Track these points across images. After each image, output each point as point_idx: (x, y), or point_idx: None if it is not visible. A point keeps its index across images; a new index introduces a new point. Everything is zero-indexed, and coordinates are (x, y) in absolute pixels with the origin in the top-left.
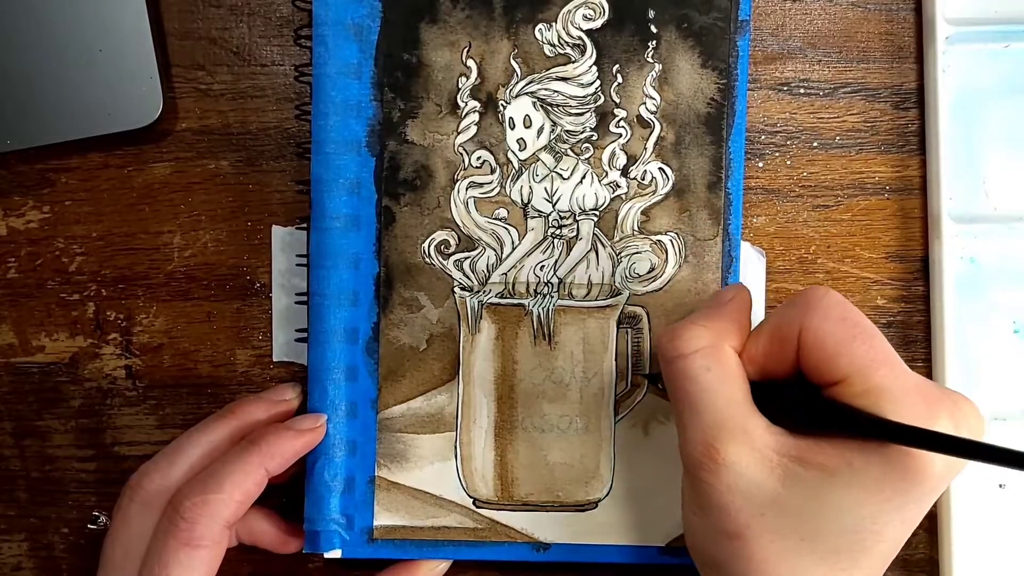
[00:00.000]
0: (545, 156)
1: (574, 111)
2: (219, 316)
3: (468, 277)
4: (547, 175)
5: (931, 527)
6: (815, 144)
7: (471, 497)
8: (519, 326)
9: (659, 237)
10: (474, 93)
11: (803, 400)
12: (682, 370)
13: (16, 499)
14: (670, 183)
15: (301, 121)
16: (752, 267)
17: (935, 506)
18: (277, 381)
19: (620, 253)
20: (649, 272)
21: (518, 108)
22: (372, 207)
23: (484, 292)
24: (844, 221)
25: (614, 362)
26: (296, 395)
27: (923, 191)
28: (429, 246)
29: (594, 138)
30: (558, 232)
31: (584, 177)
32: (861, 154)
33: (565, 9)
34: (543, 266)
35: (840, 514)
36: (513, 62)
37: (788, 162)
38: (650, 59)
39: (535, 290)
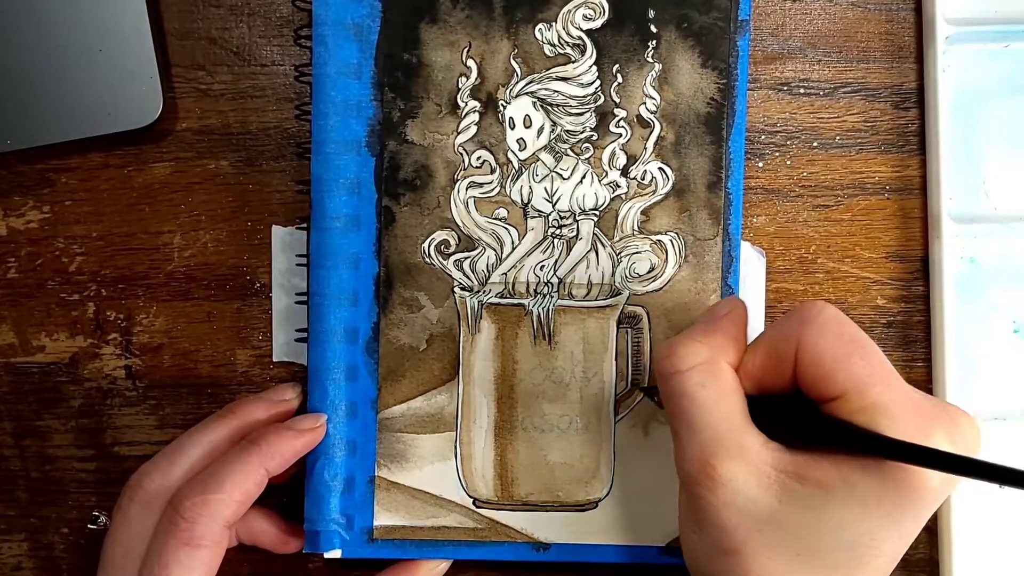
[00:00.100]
0: (545, 156)
1: (574, 111)
2: (219, 316)
3: (468, 277)
4: (547, 175)
5: (931, 527)
6: (815, 144)
7: (471, 497)
8: (519, 326)
9: (659, 237)
10: (474, 93)
11: (800, 416)
12: (678, 386)
13: (16, 499)
14: (670, 183)
15: (301, 121)
16: (752, 267)
17: None
18: (277, 381)
19: (620, 253)
20: (649, 272)
21: (518, 108)
22: (372, 207)
23: (484, 292)
24: (844, 221)
25: (614, 362)
26: (296, 395)
27: (923, 191)
28: (429, 246)
29: (594, 138)
30: (558, 232)
31: (584, 177)
32: (861, 154)
33: (565, 9)
34: (543, 266)
35: (837, 530)
36: (513, 62)
37: (788, 162)
38: (650, 59)
39: (535, 290)
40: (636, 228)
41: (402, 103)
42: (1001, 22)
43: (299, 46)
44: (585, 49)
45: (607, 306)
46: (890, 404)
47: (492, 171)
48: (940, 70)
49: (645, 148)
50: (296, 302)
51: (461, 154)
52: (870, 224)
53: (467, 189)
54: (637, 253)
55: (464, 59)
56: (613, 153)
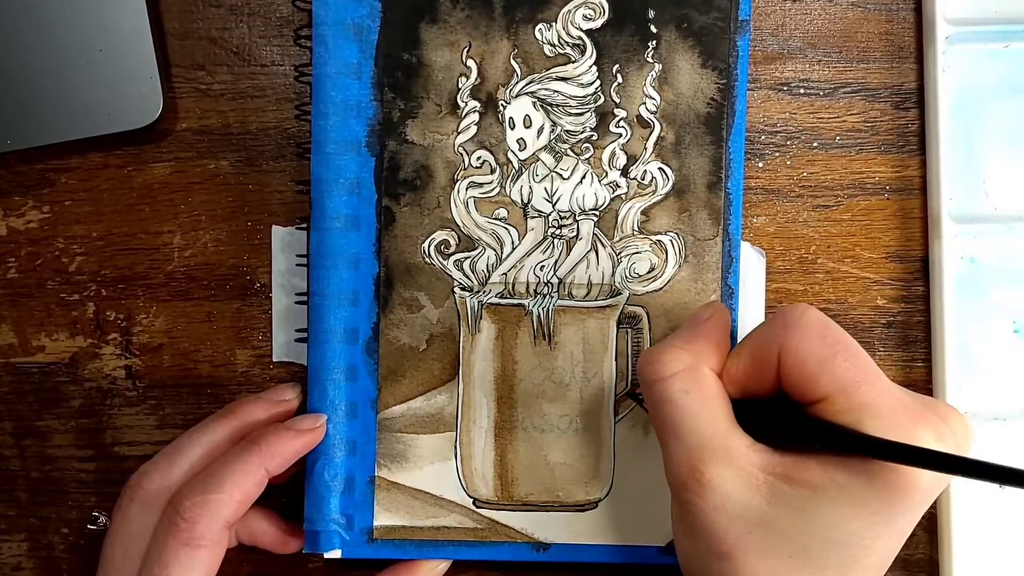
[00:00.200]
0: (545, 156)
1: (574, 111)
2: (219, 316)
3: (468, 277)
4: (547, 175)
5: (931, 527)
6: (815, 144)
7: (471, 497)
8: (519, 326)
9: (659, 237)
10: (474, 93)
11: (786, 418)
12: (661, 393)
13: (16, 499)
14: (670, 183)
15: (301, 121)
16: (752, 267)
17: (935, 506)
18: (277, 381)
19: (620, 253)
20: (649, 272)
21: (518, 108)
22: (372, 207)
23: (484, 292)
24: (844, 221)
25: (614, 362)
26: (296, 395)
27: (923, 191)
28: (429, 246)
29: (594, 138)
30: (558, 232)
31: (584, 177)
32: (861, 154)
33: (565, 9)
34: (543, 266)
35: (828, 530)
36: (513, 62)
37: (788, 162)
38: (650, 59)
39: (535, 290)
40: (636, 228)
41: (402, 103)
42: (1001, 22)
43: (299, 46)
44: (585, 49)
45: (607, 306)
46: (875, 404)
47: (492, 171)
48: (940, 70)
49: (645, 148)
50: (296, 302)
51: (461, 154)
52: (870, 224)
53: (467, 189)
54: (637, 253)
55: (464, 59)
56: (613, 153)
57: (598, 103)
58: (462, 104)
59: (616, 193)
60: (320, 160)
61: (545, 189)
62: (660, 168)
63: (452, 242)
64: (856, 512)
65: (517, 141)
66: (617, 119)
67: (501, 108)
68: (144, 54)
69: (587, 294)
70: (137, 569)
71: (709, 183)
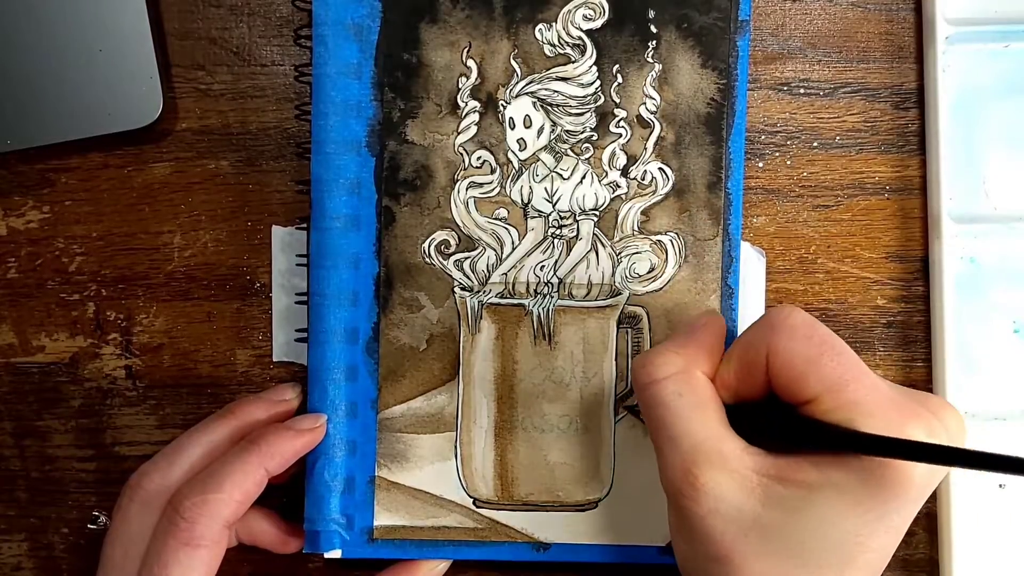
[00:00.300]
0: (545, 156)
1: (574, 111)
2: (219, 316)
3: (468, 277)
4: (547, 175)
5: (931, 527)
6: (815, 144)
7: (471, 497)
8: (519, 326)
9: (659, 237)
10: (474, 93)
11: (778, 419)
12: (654, 396)
13: (16, 499)
14: (670, 183)
15: (301, 121)
16: (752, 267)
17: (935, 506)
18: (277, 381)
19: (620, 253)
20: (649, 272)
21: (518, 108)
22: (372, 207)
23: (484, 292)
24: (844, 221)
25: (614, 362)
26: (296, 395)
27: (923, 191)
28: (429, 246)
29: (594, 138)
30: (558, 232)
31: (584, 177)
32: (861, 154)
33: (565, 9)
34: (543, 266)
35: (824, 529)
36: (513, 62)
37: (788, 162)
38: (650, 59)
39: (535, 290)
40: (636, 228)
41: (402, 103)
42: (1001, 22)
43: (299, 46)
44: (585, 49)
45: (607, 306)
46: (865, 401)
47: (492, 171)
48: (940, 70)
49: (645, 148)
50: (296, 302)
51: (461, 154)
52: (870, 224)
53: (467, 189)
54: (637, 253)
55: (464, 59)
56: (613, 153)
57: (598, 103)
58: (462, 104)
59: (616, 193)
60: (320, 160)
61: (545, 189)
62: (660, 168)
63: (452, 242)
64: (851, 510)
65: (517, 141)
66: (617, 119)
67: (501, 108)
68: (144, 54)
69: (587, 294)
70: (137, 569)
71: (709, 183)
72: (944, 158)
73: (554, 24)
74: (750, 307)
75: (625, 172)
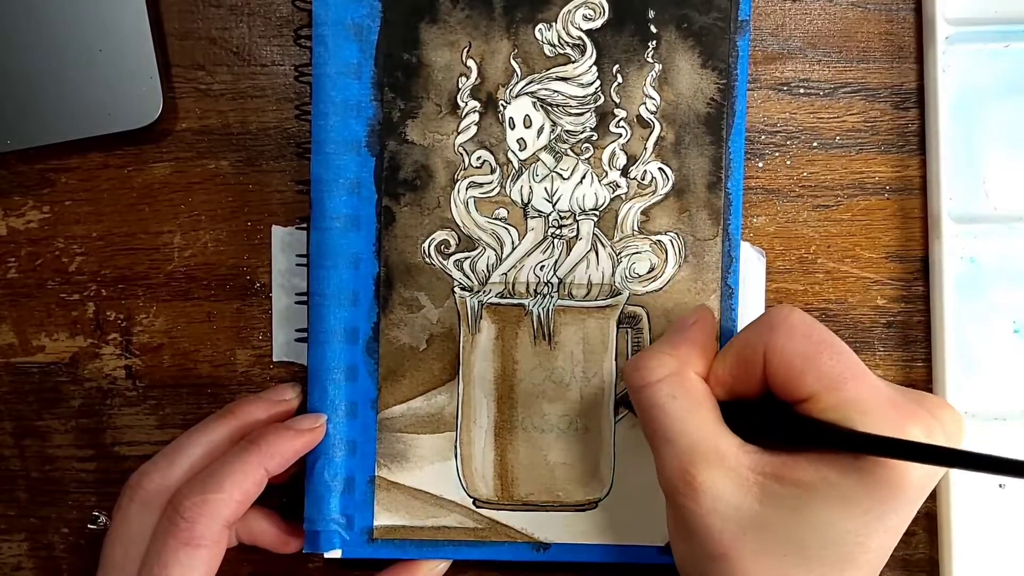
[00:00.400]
0: (545, 156)
1: (574, 111)
2: (219, 316)
3: (468, 277)
4: (547, 175)
5: (931, 527)
6: (815, 144)
7: (471, 497)
8: (519, 326)
9: (659, 237)
10: (474, 93)
11: (775, 417)
12: (649, 399)
13: (16, 499)
14: (670, 183)
15: (301, 121)
16: (752, 267)
17: (935, 506)
18: (277, 381)
19: (620, 253)
20: (649, 272)
21: (518, 108)
22: (372, 207)
23: (484, 292)
24: (844, 221)
25: (614, 362)
26: (296, 395)
27: (923, 191)
28: (429, 246)
29: (594, 138)
30: (558, 232)
31: (584, 177)
32: (861, 154)
33: (565, 9)
34: (543, 266)
35: (822, 528)
36: (513, 62)
37: (788, 162)
38: (650, 59)
39: (535, 290)
40: (636, 228)
41: (402, 103)
42: (1001, 22)
43: (299, 46)
44: (585, 49)
45: (607, 306)
46: (863, 400)
47: (492, 171)
48: (940, 70)
49: (645, 148)
50: (296, 302)
51: (461, 154)
52: (870, 224)
53: (467, 189)
54: (637, 253)
55: (464, 59)
56: (613, 153)
57: (598, 103)
58: (462, 104)
59: (616, 193)
60: (320, 160)
61: (545, 189)
62: (660, 168)
63: (452, 242)
64: (849, 510)
65: (517, 141)
66: (617, 119)
67: (501, 108)
68: (144, 54)
69: (587, 294)
70: (137, 569)
71: (709, 183)
72: (944, 158)
73: (554, 24)
74: (750, 307)
75: (625, 172)
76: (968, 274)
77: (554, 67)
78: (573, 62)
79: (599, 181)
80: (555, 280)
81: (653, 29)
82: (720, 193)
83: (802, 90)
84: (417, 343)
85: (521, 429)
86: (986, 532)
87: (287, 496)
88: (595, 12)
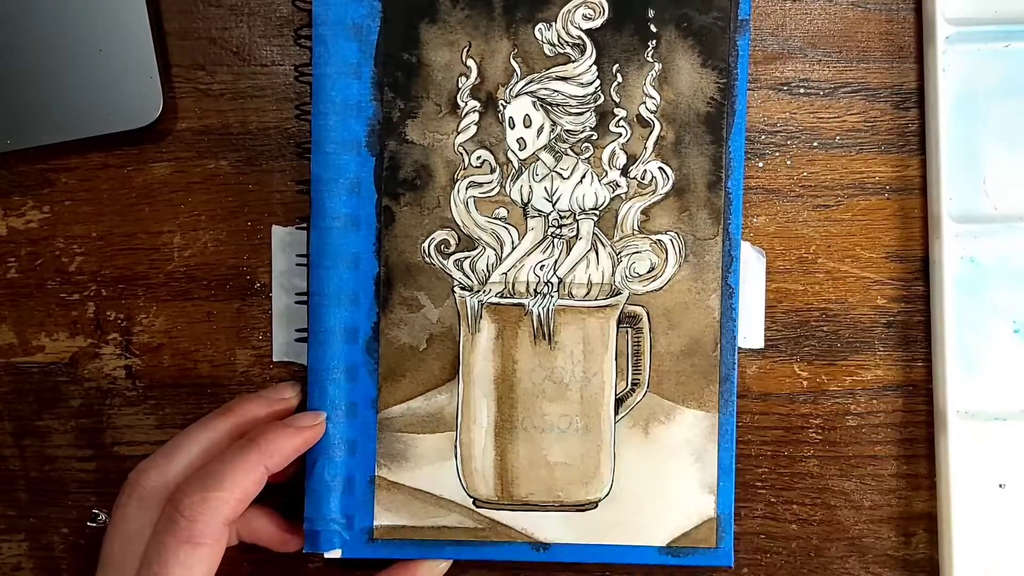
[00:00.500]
0: (545, 155)
1: (574, 110)
2: (219, 316)
3: (468, 277)
4: (547, 174)
5: (931, 527)
6: (815, 144)
7: (471, 497)
8: (519, 326)
9: (659, 236)
10: (474, 93)
11: None
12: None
13: (16, 499)
14: (670, 182)
15: (301, 121)
16: (752, 267)
17: (935, 506)
18: (277, 381)
19: (620, 253)
20: (649, 272)
21: (518, 108)
22: (372, 207)
23: (484, 292)
24: (844, 221)
25: (614, 362)
26: (295, 394)
27: (923, 191)
28: (429, 246)
29: (594, 137)
30: (558, 232)
31: (584, 176)
32: (861, 154)
33: (565, 9)
34: (543, 266)
35: None
36: (513, 62)
37: (788, 162)
38: (650, 58)
39: (535, 290)
40: (636, 228)
41: (402, 103)
42: (1001, 22)
43: (299, 46)
44: (585, 49)
45: (607, 306)
46: None
47: (492, 171)
48: (940, 70)
49: (645, 148)
50: (296, 302)
51: (461, 154)
52: (870, 224)
53: (467, 189)
54: (637, 253)
55: (464, 59)
56: (613, 153)
57: (598, 103)
58: (462, 104)
59: (616, 192)
60: (320, 160)
61: (545, 189)
62: (660, 167)
63: (452, 242)
64: None
65: (517, 141)
66: (617, 118)
67: (501, 108)
68: (144, 54)
69: (587, 294)
70: (136, 566)
71: (709, 182)
72: (944, 158)
73: (554, 24)
74: (750, 307)
75: (625, 171)
76: (968, 274)
77: (554, 67)
78: (573, 61)
79: (599, 180)
80: (555, 280)
81: (653, 28)
82: (720, 192)
83: (802, 90)
84: (417, 343)
85: (521, 429)
86: (986, 532)
87: (287, 496)
88: (595, 12)
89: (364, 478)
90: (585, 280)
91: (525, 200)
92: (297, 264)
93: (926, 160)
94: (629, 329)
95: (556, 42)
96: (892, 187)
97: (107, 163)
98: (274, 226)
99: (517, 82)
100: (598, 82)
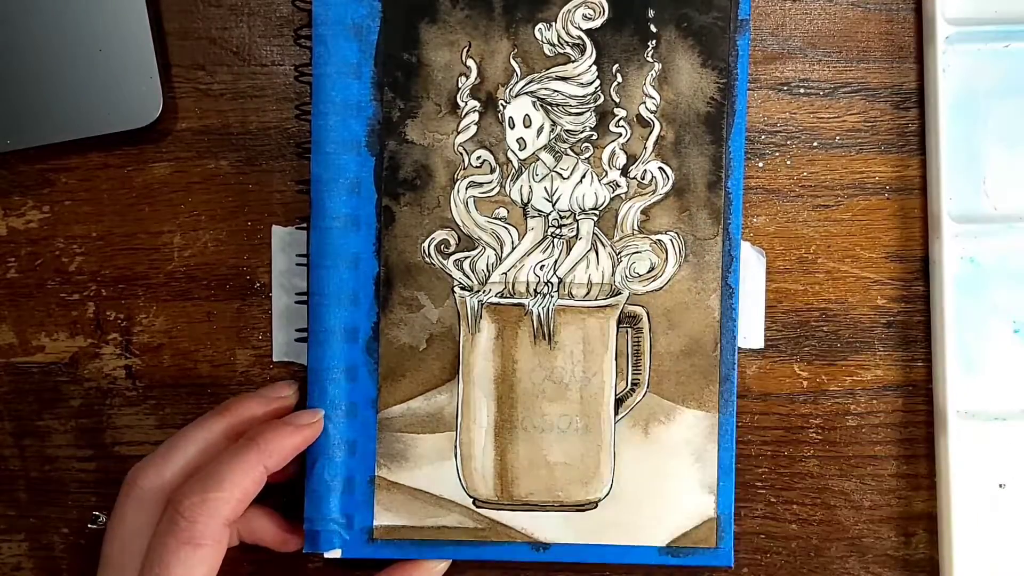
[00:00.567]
0: (545, 155)
1: (574, 110)
2: (219, 316)
3: (468, 277)
4: (547, 174)
5: (931, 527)
6: (815, 144)
7: (471, 497)
8: (519, 326)
9: (659, 236)
10: (474, 93)
11: None
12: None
13: (16, 499)
14: (670, 182)
15: (301, 121)
16: (752, 267)
17: (935, 506)
18: (277, 381)
19: (620, 252)
20: (649, 272)
21: (518, 108)
22: (372, 207)
23: (484, 292)
24: (844, 221)
25: (614, 362)
26: (293, 392)
27: (923, 191)
28: (429, 246)
29: (594, 137)
30: (558, 232)
31: (584, 176)
32: (861, 154)
33: (565, 8)
34: (543, 266)
35: None
36: (513, 62)
37: (788, 162)
38: (650, 58)
39: (535, 290)
40: (636, 228)
41: (402, 103)
42: (1001, 22)
43: (299, 46)
44: (585, 49)
45: (607, 306)
46: None
47: (492, 171)
48: (940, 70)
49: (645, 147)
50: (296, 302)
51: (461, 154)
52: (870, 224)
53: (467, 189)
54: (637, 253)
55: (464, 59)
56: (613, 152)
57: (598, 103)
58: (462, 104)
59: (616, 192)
60: (320, 160)
61: (545, 188)
62: (660, 167)
63: (452, 242)
64: None
65: (517, 140)
66: (617, 118)
67: (501, 108)
68: (144, 54)
69: (587, 293)
70: (135, 565)
71: (709, 182)
72: (944, 158)
73: (554, 24)
74: (750, 307)
75: (625, 171)
76: (968, 274)
77: (554, 66)
78: (573, 61)
79: (599, 180)
80: (555, 280)
81: (653, 28)
82: (720, 192)
83: (802, 90)
84: (417, 343)
85: (521, 429)
86: (986, 532)
87: (287, 496)
88: (595, 11)
89: (364, 478)
90: (585, 280)
91: (525, 200)
92: (297, 264)
93: (926, 160)
94: (629, 329)
95: (556, 42)
96: (892, 187)
97: (107, 163)
98: (274, 226)
99: (517, 82)
100: (598, 82)
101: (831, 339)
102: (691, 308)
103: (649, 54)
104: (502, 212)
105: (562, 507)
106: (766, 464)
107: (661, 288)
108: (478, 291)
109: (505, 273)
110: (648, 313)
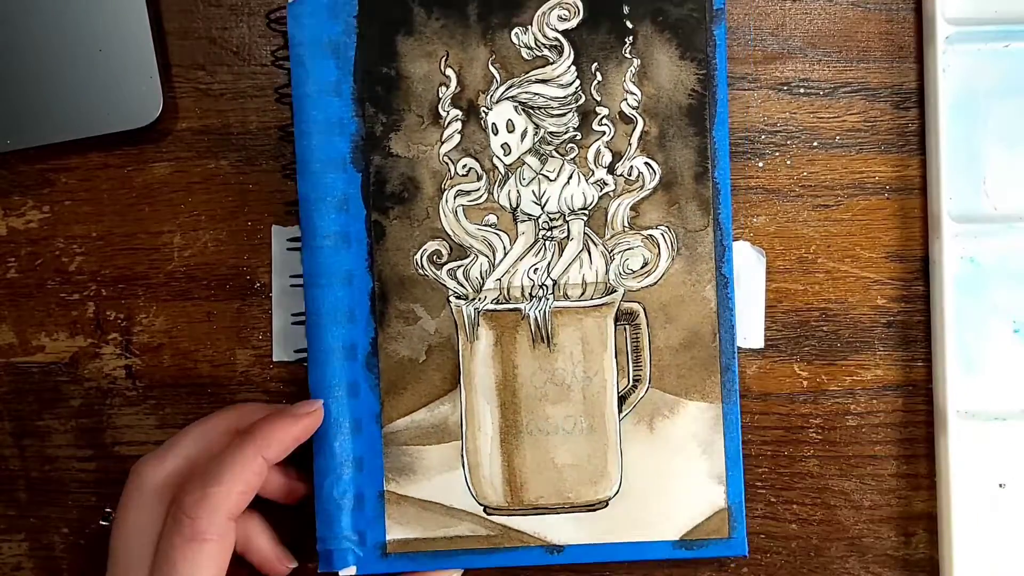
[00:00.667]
0: (530, 159)
1: (556, 112)
2: (219, 316)
3: (462, 285)
4: (534, 178)
5: (931, 527)
6: (815, 144)
7: (481, 505)
8: (517, 330)
9: (650, 231)
10: (455, 102)
11: None
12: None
13: (16, 499)
14: (657, 177)
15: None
16: (752, 267)
17: (935, 506)
18: (277, 381)
19: (612, 250)
20: (642, 267)
21: (500, 113)
22: (362, 223)
23: (480, 299)
24: (844, 221)
25: (614, 359)
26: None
27: (923, 191)
28: (421, 257)
29: (578, 138)
30: (549, 234)
31: (571, 177)
32: (861, 154)
33: (540, 11)
34: (536, 269)
35: None
36: (491, 68)
37: (788, 162)
38: (628, 55)
39: (530, 293)
40: (626, 224)
41: (384, 117)
42: (1001, 22)
43: (277, 67)
44: (562, 50)
45: (603, 304)
46: None
47: (478, 178)
48: (940, 70)
49: (630, 144)
50: (293, 323)
51: (446, 163)
52: (870, 224)
53: (455, 198)
54: (629, 249)
55: (443, 68)
56: (598, 151)
57: (579, 102)
58: (444, 113)
59: (604, 191)
60: (307, 179)
61: (533, 192)
62: (646, 163)
63: (444, 252)
64: None
65: (501, 146)
66: (600, 117)
67: (483, 115)
68: (144, 54)
69: (582, 294)
70: (139, 560)
71: (696, 174)
72: (944, 158)
73: (530, 27)
74: (750, 306)
75: (611, 169)
76: (968, 274)
77: (533, 70)
78: (551, 63)
79: (586, 180)
80: (549, 282)
81: (629, 24)
82: (708, 183)
83: (802, 90)
84: (416, 355)
85: (526, 433)
86: (986, 532)
87: (297, 515)
88: (570, 12)
89: (373, 493)
90: (579, 280)
91: (514, 205)
92: (288, 249)
93: (926, 160)
94: (627, 326)
95: (533, 45)
96: (892, 187)
97: (107, 163)
98: (274, 226)
99: (497, 88)
100: (578, 82)
101: (831, 339)
102: (687, 301)
103: (627, 50)
104: (492, 219)
105: (573, 508)
106: (766, 464)
107: (656, 283)
108: (474, 299)
109: (499, 279)
110: (644, 309)
